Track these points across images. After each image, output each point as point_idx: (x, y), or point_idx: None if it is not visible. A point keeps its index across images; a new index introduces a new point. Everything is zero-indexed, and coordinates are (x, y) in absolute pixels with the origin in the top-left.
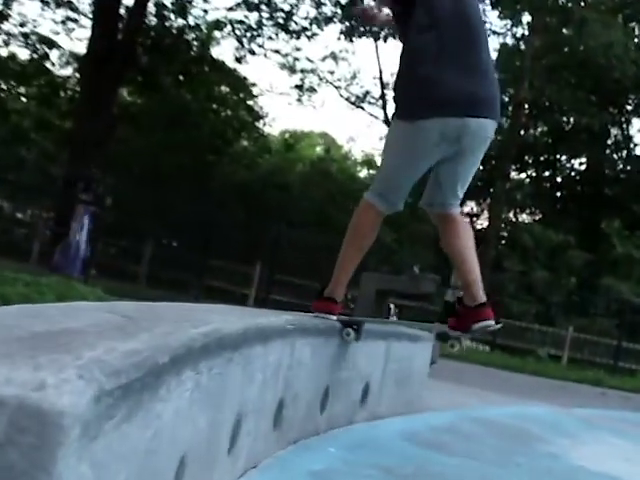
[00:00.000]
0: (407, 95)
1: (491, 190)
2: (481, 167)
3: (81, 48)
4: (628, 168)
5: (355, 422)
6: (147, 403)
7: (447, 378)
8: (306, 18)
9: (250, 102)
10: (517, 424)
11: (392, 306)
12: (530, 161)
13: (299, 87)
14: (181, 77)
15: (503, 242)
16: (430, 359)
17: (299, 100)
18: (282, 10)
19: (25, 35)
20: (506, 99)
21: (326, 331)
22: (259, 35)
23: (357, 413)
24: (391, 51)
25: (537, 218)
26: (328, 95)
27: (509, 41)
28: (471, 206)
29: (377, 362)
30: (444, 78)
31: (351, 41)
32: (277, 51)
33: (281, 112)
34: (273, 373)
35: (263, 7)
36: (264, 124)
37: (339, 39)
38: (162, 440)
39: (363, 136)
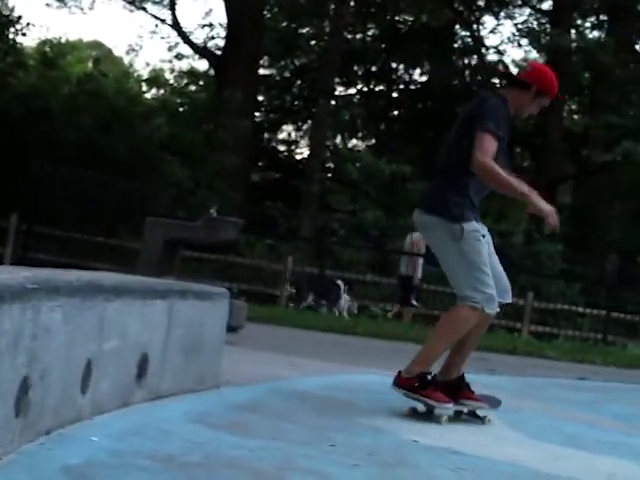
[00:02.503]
0: None
1: (312, 110)
2: (299, 81)
3: None
4: (479, 78)
5: (131, 403)
6: None
7: (257, 345)
8: None
9: None
10: (338, 396)
11: (340, 282)
12: (360, 72)
13: None
14: None
15: (330, 175)
16: (231, 322)
17: (61, 0)
18: None
19: None
20: None
21: (82, 289)
22: None
23: (133, 392)
24: None
25: (371, 144)
26: None
27: None
28: (288, 131)
29: (156, 327)
30: None
31: None
32: None
33: (39, 16)
34: (10, 345)
35: None
36: (16, 32)
37: None
38: None
39: (147, 46)
